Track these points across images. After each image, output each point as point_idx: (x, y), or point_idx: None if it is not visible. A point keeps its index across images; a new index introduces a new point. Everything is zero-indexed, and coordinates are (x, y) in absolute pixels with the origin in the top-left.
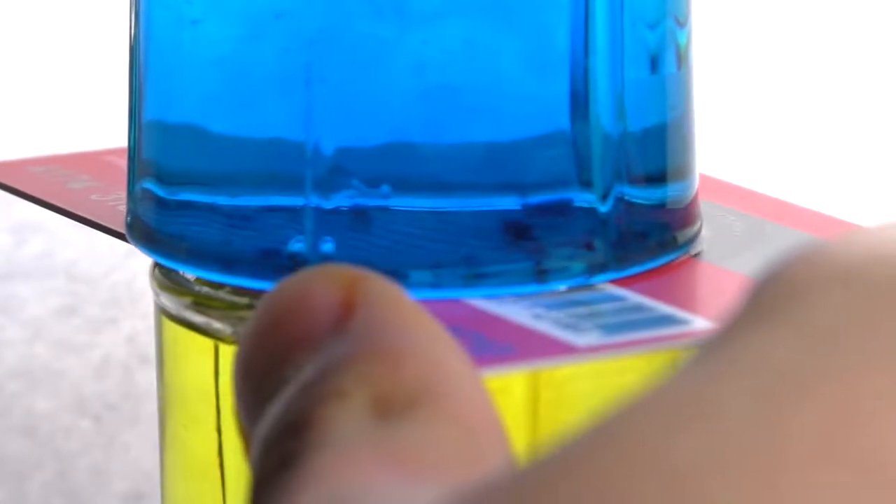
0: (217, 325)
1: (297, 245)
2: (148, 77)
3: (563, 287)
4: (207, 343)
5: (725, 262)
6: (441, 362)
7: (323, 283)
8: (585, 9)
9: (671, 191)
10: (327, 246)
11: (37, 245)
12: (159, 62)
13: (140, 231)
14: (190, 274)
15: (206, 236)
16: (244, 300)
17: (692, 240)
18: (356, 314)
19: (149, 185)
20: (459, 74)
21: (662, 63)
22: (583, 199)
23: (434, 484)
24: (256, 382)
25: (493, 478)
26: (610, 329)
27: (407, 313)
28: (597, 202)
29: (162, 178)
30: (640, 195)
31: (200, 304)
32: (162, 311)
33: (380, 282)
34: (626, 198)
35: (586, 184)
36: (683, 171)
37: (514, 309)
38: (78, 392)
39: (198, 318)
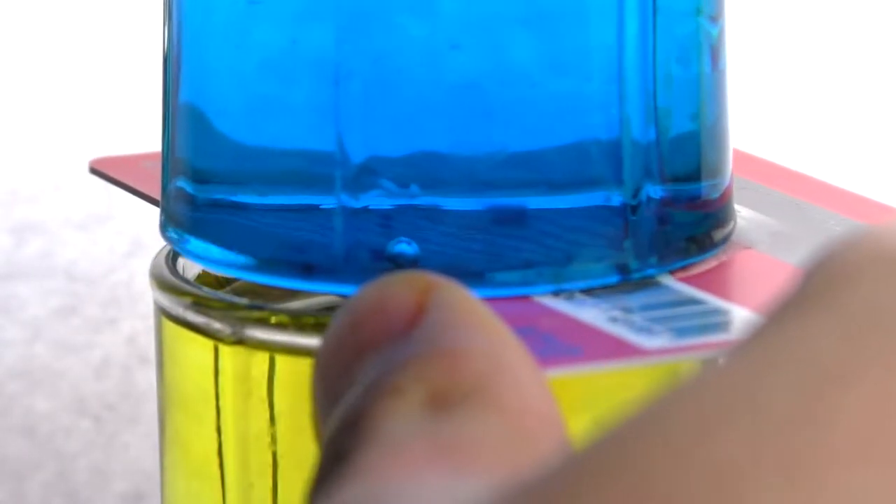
0: (217, 325)
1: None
2: (182, 77)
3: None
4: (207, 343)
5: None
6: (501, 362)
7: (399, 288)
8: (619, 9)
9: (705, 190)
10: (404, 246)
11: (37, 245)
12: (193, 64)
13: (173, 229)
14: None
15: (241, 236)
16: (243, 300)
17: (726, 238)
18: (425, 318)
19: (182, 183)
20: (489, 79)
21: (695, 61)
22: (614, 198)
23: (480, 477)
24: (329, 385)
25: (534, 473)
26: (683, 332)
27: (475, 317)
28: (628, 201)
29: (194, 178)
30: (673, 194)
31: (200, 304)
32: (162, 311)
33: (453, 287)
34: (658, 196)
35: (618, 183)
36: (717, 170)
37: (592, 312)
38: (78, 392)
39: (198, 318)
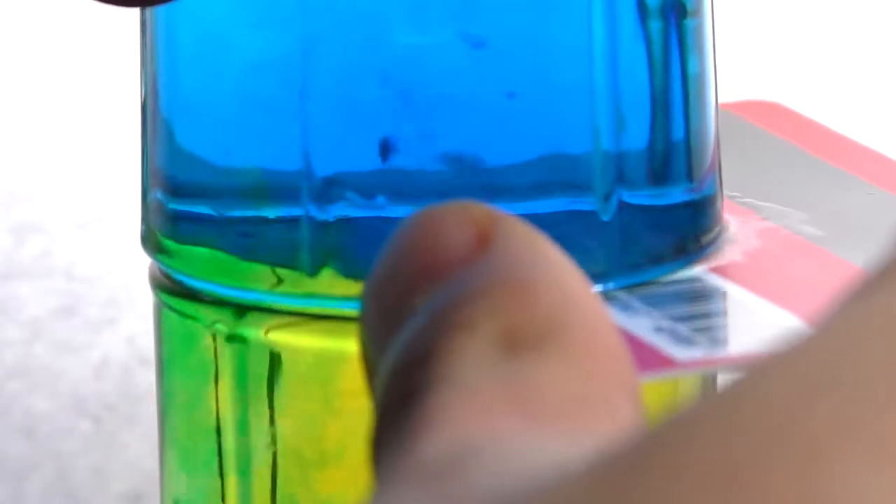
0: (217, 324)
1: None
2: (158, 89)
3: None
4: (207, 343)
5: None
6: (570, 294)
7: (458, 217)
8: (587, 12)
9: (685, 194)
10: None
11: (36, 245)
12: (165, 76)
13: (153, 242)
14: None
15: (216, 248)
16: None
17: (712, 242)
18: (491, 247)
19: (159, 195)
20: (455, 91)
21: (672, 63)
22: (586, 204)
23: (558, 428)
24: (385, 312)
25: (617, 447)
26: (722, 344)
27: (541, 249)
28: (599, 206)
29: (167, 190)
30: (649, 199)
31: (200, 303)
32: (162, 311)
33: (515, 220)
34: (632, 202)
35: (588, 189)
36: (699, 174)
37: (641, 321)
38: (77, 392)
39: (197, 318)
